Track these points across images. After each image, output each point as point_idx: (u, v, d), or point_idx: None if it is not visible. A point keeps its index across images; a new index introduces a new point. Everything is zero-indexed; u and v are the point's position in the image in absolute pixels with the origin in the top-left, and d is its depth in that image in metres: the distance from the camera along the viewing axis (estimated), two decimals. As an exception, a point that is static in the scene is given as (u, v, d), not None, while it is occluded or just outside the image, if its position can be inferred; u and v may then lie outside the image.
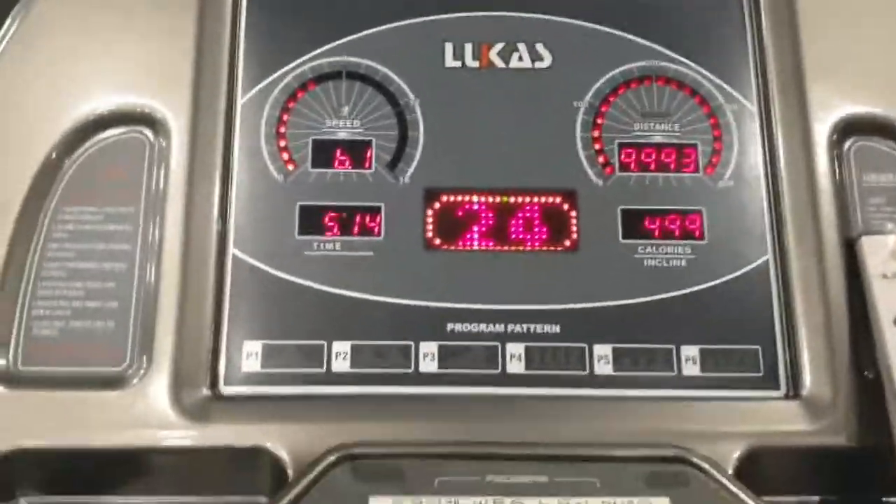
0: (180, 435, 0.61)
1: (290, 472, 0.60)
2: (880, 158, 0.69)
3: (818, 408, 0.63)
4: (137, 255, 0.65)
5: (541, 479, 0.57)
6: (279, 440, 0.61)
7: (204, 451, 0.61)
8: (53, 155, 0.66)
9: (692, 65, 0.72)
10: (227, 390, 0.64)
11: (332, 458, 0.58)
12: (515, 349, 0.65)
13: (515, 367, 0.65)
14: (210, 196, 0.67)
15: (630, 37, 0.73)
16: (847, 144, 0.69)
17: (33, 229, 0.65)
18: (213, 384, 0.64)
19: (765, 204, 0.69)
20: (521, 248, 0.68)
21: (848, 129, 0.69)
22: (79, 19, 0.70)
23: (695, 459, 0.58)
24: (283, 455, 0.60)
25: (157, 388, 0.62)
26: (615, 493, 0.56)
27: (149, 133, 0.67)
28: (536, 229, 0.68)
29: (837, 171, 0.69)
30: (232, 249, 0.66)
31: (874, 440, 0.61)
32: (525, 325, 0.66)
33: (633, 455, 0.59)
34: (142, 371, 0.62)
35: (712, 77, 0.72)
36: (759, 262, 0.67)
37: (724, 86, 0.72)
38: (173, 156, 0.66)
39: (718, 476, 0.58)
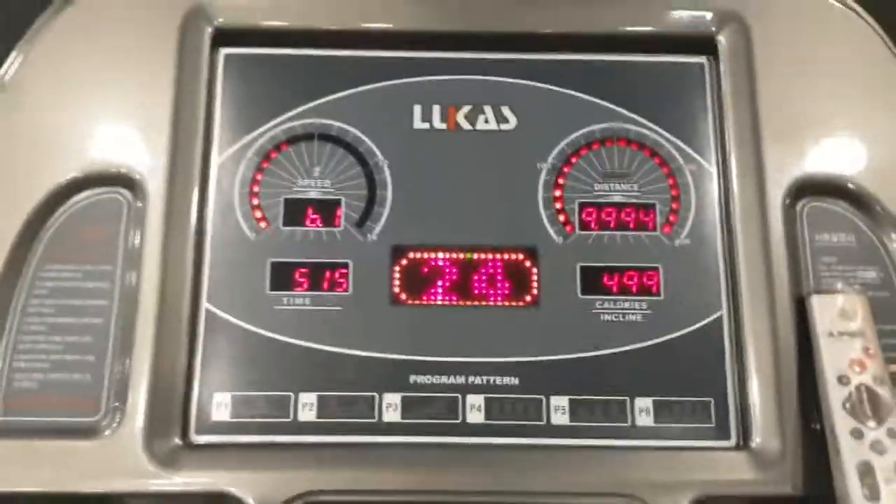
0: (152, 482, 0.68)
1: (256, 518, 0.66)
2: (832, 219, 0.76)
3: (766, 458, 0.69)
4: (114, 310, 0.72)
5: (496, 527, 0.63)
6: (246, 487, 0.67)
7: (174, 497, 0.68)
8: (36, 215, 0.73)
9: (652, 126, 0.79)
10: (197, 439, 0.70)
11: (295, 505, 0.65)
12: (475, 400, 0.72)
13: (475, 417, 0.71)
14: (184, 253, 0.73)
15: (592, 99, 0.79)
16: (801, 204, 0.76)
17: (15, 286, 0.72)
18: (185, 433, 0.70)
19: (720, 261, 0.75)
20: (483, 303, 0.74)
21: (802, 189, 0.76)
22: (59, 84, 0.77)
23: (644, 507, 0.65)
24: (250, 501, 0.67)
25: (130, 438, 0.68)
26: (567, 540, 0.62)
27: (126, 193, 0.74)
28: (499, 285, 0.74)
29: (791, 230, 0.75)
30: (205, 304, 0.73)
31: (819, 490, 0.67)
32: (485, 378, 0.72)
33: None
34: (116, 421, 0.69)
35: (672, 138, 0.79)
36: (713, 317, 0.74)
37: (683, 146, 0.78)
38: (149, 215, 0.73)
39: (666, 524, 0.64)
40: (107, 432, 0.69)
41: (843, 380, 0.69)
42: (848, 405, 0.68)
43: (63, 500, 0.68)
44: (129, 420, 0.69)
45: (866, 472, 0.65)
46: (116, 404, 0.70)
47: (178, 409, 0.70)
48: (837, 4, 0.82)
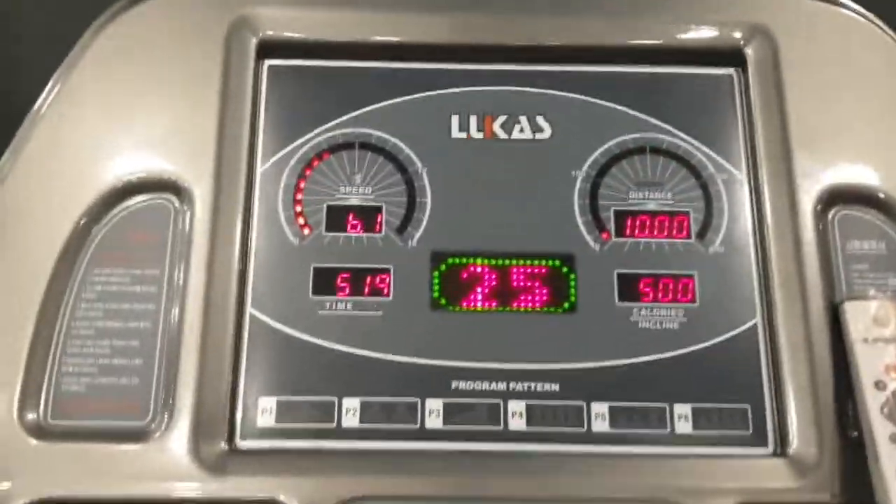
0: (199, 487, 0.61)
1: (301, 524, 0.59)
2: (863, 227, 0.69)
3: (804, 465, 0.62)
4: (161, 314, 0.65)
5: (539, 535, 0.56)
6: (292, 493, 0.60)
7: (221, 502, 0.61)
8: (85, 219, 0.66)
9: (684, 136, 0.72)
10: (243, 444, 0.63)
11: (341, 511, 0.58)
12: (517, 406, 0.64)
13: (517, 423, 0.64)
14: (230, 259, 0.66)
15: (625, 110, 0.72)
16: (832, 213, 0.69)
17: (65, 289, 0.65)
18: (230, 438, 0.63)
19: (753, 269, 0.68)
20: (522, 308, 0.67)
21: (832, 198, 0.69)
22: (110, 93, 0.70)
23: (685, 515, 0.58)
24: None
25: (177, 442, 0.62)
26: (610, 548, 0.55)
27: (174, 199, 0.68)
28: (537, 291, 0.68)
29: (823, 237, 0.68)
30: (250, 309, 0.66)
31: (857, 498, 0.60)
32: (526, 384, 0.65)
33: (626, 511, 0.59)
34: (163, 425, 0.62)
35: (703, 148, 0.72)
36: (748, 325, 0.67)
37: (715, 156, 0.71)
38: (196, 221, 0.66)
39: (708, 532, 0.57)
40: (155, 436, 0.62)
41: (879, 385, 0.62)
42: (885, 410, 0.61)
43: (112, 504, 0.61)
44: (176, 424, 0.62)
45: (906, 478, 0.58)
46: (164, 409, 0.63)
47: (224, 413, 0.63)
48: (861, 19, 0.75)
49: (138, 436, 0.62)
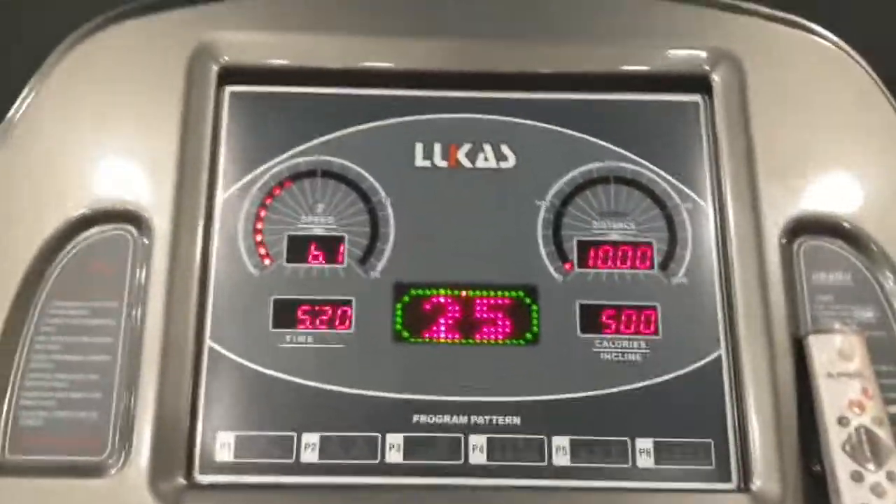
0: (156, 522, 0.61)
1: (257, 562, 0.59)
2: (829, 257, 0.68)
3: (767, 501, 0.62)
4: (119, 348, 0.65)
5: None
6: (250, 528, 0.60)
7: (178, 538, 0.61)
8: (43, 251, 0.66)
9: (649, 165, 0.72)
10: (201, 479, 0.63)
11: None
12: (478, 440, 0.64)
13: (477, 458, 0.64)
14: (189, 290, 0.66)
15: (590, 138, 0.72)
16: (797, 243, 0.69)
17: (23, 322, 0.65)
18: (189, 473, 0.63)
19: (717, 300, 0.68)
20: (484, 340, 0.67)
21: (798, 228, 0.69)
22: (67, 122, 0.70)
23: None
24: None
25: (135, 477, 0.61)
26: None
27: (133, 230, 0.67)
28: (500, 323, 0.67)
29: (788, 268, 0.68)
30: (209, 341, 0.66)
31: (820, 534, 0.60)
32: (487, 417, 0.65)
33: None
34: (121, 460, 0.62)
35: (668, 176, 0.71)
36: (712, 357, 0.66)
37: (679, 185, 0.71)
38: (155, 252, 0.66)
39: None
40: (112, 471, 0.62)
41: (842, 421, 0.62)
42: (848, 447, 0.61)
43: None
44: (134, 459, 0.62)
45: (867, 515, 0.58)
46: (122, 443, 0.63)
47: (182, 448, 0.63)
48: (830, 46, 0.75)
49: (96, 471, 0.62)
